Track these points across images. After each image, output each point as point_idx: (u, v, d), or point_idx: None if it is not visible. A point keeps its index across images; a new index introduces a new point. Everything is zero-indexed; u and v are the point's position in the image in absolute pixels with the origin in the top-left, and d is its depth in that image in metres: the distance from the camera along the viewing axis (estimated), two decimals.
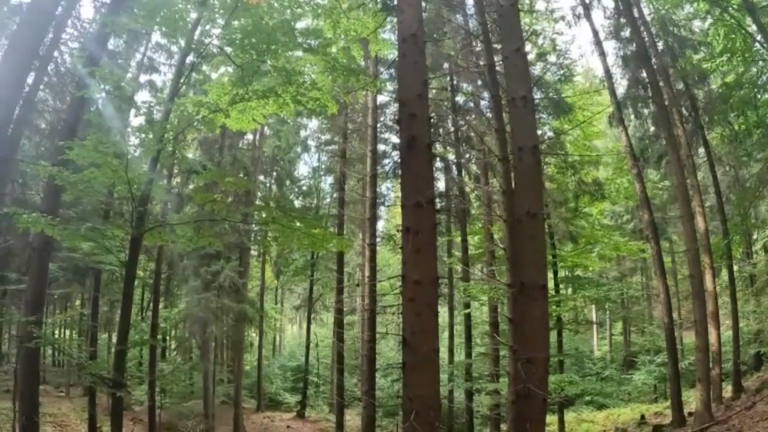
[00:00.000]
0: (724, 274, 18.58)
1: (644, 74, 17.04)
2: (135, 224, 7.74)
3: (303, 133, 22.92)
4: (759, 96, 16.37)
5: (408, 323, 6.58)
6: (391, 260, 27.90)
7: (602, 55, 16.50)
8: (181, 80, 9.63)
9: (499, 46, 14.07)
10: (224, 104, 9.27)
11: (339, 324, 18.06)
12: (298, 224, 9.54)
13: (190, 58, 10.18)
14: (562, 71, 16.22)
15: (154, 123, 8.34)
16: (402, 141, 7.30)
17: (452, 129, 19.01)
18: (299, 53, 12.00)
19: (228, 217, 10.03)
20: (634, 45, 16.92)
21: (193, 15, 10.48)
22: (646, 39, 16.51)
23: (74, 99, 11.86)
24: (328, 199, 24.72)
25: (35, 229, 8.56)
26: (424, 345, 6.43)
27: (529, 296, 7.40)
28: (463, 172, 19.58)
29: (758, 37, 15.36)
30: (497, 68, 13.63)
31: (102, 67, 10.16)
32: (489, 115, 16.87)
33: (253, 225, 15.96)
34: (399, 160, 8.10)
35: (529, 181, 7.99)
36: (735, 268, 18.28)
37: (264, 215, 9.47)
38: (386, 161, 20.36)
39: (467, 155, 19.36)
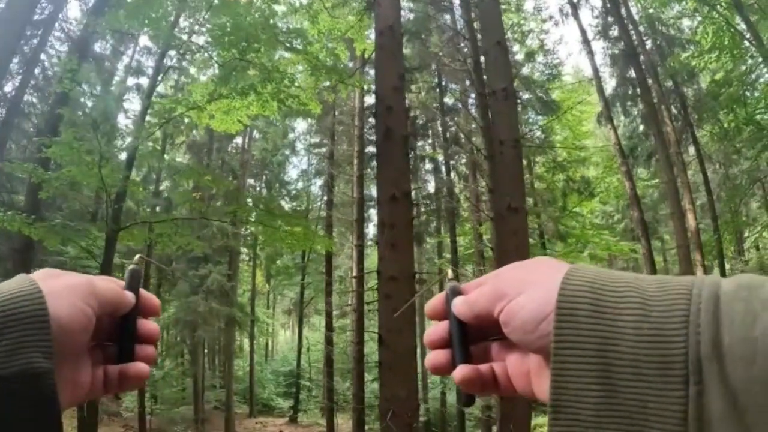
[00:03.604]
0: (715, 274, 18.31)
1: (632, 73, 16.89)
2: (110, 222, 7.51)
3: (291, 136, 22.73)
4: (748, 93, 16.26)
5: (384, 320, 6.36)
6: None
7: (590, 53, 16.37)
8: (159, 77, 9.44)
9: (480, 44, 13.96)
10: (203, 101, 9.06)
11: (328, 326, 17.81)
12: (281, 223, 9.33)
13: (172, 60, 10.00)
14: (549, 71, 16.08)
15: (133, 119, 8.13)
16: (378, 133, 7.11)
17: (440, 129, 18.85)
18: (282, 53, 11.84)
19: (209, 216, 9.80)
20: (622, 44, 16.78)
21: (173, 12, 10.31)
22: (635, 38, 16.38)
23: (57, 96, 11.67)
24: (318, 203, 24.48)
25: (12, 228, 8.39)
26: (401, 344, 6.22)
27: None
28: (453, 174, 19.39)
29: (747, 35, 15.27)
30: (483, 65, 13.49)
31: (86, 68, 9.98)
32: (476, 114, 16.72)
33: (238, 225, 15.71)
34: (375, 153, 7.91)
35: (511, 175, 7.80)
36: (727, 266, 18.05)
37: (247, 214, 9.22)
38: (374, 164, 20.11)
39: (456, 156, 19.17)
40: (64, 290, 0.53)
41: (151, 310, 0.64)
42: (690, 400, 0.39)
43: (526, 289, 0.50)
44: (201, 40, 9.68)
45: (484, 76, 13.32)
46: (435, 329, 0.58)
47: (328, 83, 11.59)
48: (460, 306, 0.56)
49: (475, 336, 0.58)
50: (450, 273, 0.61)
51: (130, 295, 0.60)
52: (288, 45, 10.72)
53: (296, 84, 9.72)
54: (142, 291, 0.62)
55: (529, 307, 0.48)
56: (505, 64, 8.70)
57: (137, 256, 0.65)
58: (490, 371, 0.56)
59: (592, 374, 0.43)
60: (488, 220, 15.90)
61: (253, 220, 9.10)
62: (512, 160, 7.65)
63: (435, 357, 0.57)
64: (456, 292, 0.57)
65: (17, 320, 0.48)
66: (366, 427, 16.61)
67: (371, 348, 17.51)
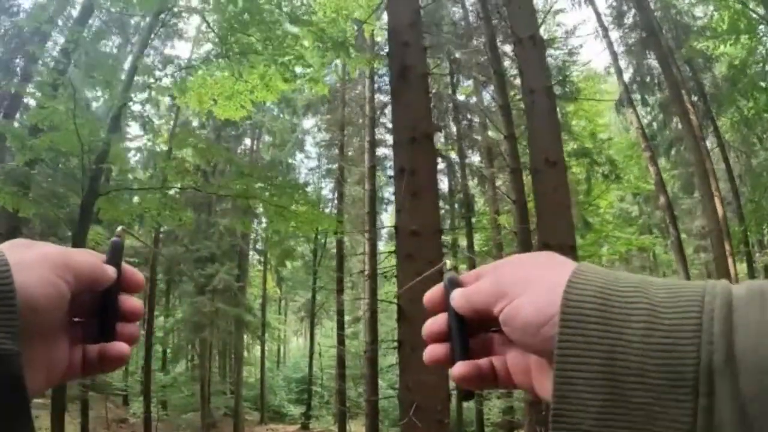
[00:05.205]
0: (740, 270, 16.80)
1: (650, 61, 15.71)
2: (87, 186, 6.14)
3: (300, 136, 21.32)
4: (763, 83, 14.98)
5: (405, 287, 4.85)
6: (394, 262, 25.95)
7: (607, 38, 15.04)
8: (151, 36, 8.21)
9: (495, 22, 12.67)
10: (198, 61, 7.79)
11: (340, 325, 16.31)
12: (288, 199, 7.94)
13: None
14: (567, 58, 14.84)
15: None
16: (393, 72, 5.72)
17: (453, 126, 17.59)
18: (288, 27, 10.63)
19: (200, 187, 8.48)
20: (636, 33, 15.62)
21: None
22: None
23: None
24: (330, 206, 23.10)
25: None
26: (427, 316, 4.71)
27: None
28: (467, 170, 18.02)
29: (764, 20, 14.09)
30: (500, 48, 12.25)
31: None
32: (491, 103, 15.40)
33: (246, 224, 14.33)
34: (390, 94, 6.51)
35: (545, 126, 6.40)
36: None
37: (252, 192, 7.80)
38: (387, 162, 18.85)
39: (468, 152, 17.83)
40: (35, 262, 0.45)
41: (134, 286, 0.56)
42: (699, 413, 0.36)
43: (527, 289, 0.45)
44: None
45: (499, 55, 12.07)
46: (433, 322, 0.53)
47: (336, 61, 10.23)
48: (458, 299, 0.51)
49: (475, 327, 0.52)
50: (448, 263, 0.54)
51: (110, 269, 0.52)
52: (293, 17, 9.48)
53: (301, 43, 8.38)
54: (124, 265, 0.55)
55: (531, 309, 0.44)
56: (531, 12, 7.46)
57: (119, 228, 0.57)
58: (490, 366, 0.51)
59: (597, 384, 0.39)
60: (508, 207, 14.48)
61: (255, 198, 7.69)
62: (546, 110, 6.29)
63: (433, 351, 0.53)
64: (454, 284, 0.52)
65: None
66: None
67: (383, 351, 16.02)
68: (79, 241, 6.07)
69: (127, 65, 17.39)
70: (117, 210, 6.65)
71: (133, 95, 7.31)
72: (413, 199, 4.74)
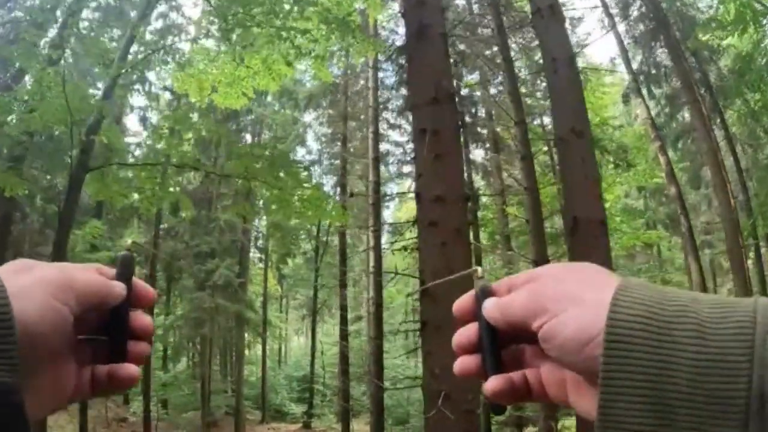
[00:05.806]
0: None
1: (657, 53, 15.27)
2: (77, 160, 5.56)
3: (301, 130, 20.74)
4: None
5: (428, 259, 4.31)
6: (398, 263, 25.37)
7: (614, 28, 14.56)
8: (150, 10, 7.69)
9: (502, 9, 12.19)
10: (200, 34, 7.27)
11: (343, 321, 15.72)
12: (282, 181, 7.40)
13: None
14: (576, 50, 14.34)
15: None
16: (409, 32, 5.19)
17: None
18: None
19: (198, 165, 7.95)
20: (644, 23, 15.18)
21: None
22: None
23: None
24: (331, 205, 22.45)
25: None
26: (454, 291, 4.14)
27: (586, 234, 5.15)
28: (471, 165, 17.52)
29: None
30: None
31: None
32: (498, 91, 14.90)
33: (248, 220, 13.75)
34: (406, 55, 5.94)
35: (569, 95, 5.88)
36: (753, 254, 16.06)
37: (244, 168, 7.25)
38: (389, 158, 18.33)
39: (472, 146, 17.33)
40: (35, 287, 0.42)
41: (145, 301, 0.52)
42: None
43: (569, 305, 0.42)
44: None
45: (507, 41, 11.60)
46: (463, 332, 0.50)
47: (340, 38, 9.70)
48: (491, 310, 0.48)
49: (506, 339, 0.49)
50: (480, 271, 0.51)
51: (119, 286, 0.49)
52: None
53: (305, 17, 7.85)
54: (135, 280, 0.51)
55: (574, 327, 0.41)
56: None
57: (129, 241, 0.53)
58: (523, 379, 0.49)
59: (644, 408, 0.37)
60: (516, 199, 13.97)
61: (255, 179, 7.15)
62: (569, 79, 5.80)
63: (464, 363, 0.50)
64: (486, 293, 0.49)
65: None
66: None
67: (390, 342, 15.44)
68: (65, 218, 5.51)
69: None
70: (108, 189, 6.09)
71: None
72: (436, 162, 4.20)
